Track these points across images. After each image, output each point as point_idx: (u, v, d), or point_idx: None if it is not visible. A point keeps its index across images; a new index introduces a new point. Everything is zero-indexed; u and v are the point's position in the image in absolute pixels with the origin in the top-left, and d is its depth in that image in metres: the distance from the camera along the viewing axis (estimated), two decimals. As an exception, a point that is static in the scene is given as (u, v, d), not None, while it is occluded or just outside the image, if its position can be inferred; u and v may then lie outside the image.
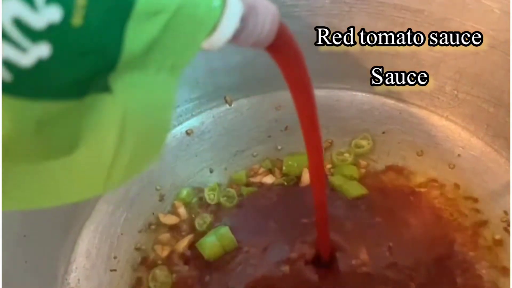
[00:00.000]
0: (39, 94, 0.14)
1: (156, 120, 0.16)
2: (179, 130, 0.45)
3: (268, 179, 0.41)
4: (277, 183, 0.41)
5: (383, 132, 0.44)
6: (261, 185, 0.41)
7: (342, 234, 0.36)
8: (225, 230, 0.37)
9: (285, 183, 0.41)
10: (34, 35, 0.13)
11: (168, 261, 0.37)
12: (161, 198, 0.41)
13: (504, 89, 0.37)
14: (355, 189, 0.39)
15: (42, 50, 0.13)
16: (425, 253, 0.35)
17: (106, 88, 0.15)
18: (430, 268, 0.34)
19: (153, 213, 0.40)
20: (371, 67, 0.44)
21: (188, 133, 0.45)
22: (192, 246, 0.38)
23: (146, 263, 0.38)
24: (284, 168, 0.41)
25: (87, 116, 0.15)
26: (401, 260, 0.35)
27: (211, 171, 0.43)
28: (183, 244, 0.38)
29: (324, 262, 0.35)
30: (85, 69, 0.14)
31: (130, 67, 0.15)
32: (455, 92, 0.41)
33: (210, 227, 0.39)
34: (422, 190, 0.39)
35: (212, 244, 0.36)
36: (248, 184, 0.41)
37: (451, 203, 0.38)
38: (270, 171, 0.42)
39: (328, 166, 0.42)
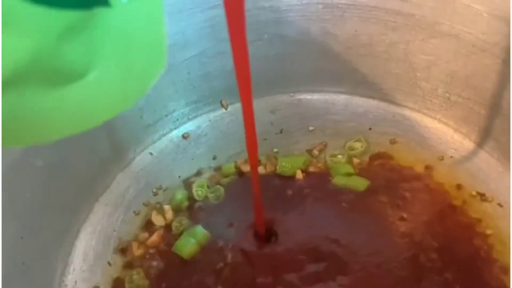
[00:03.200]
0: (55, 2, 0.15)
1: (153, 31, 0.18)
2: (175, 134, 0.46)
3: (260, 169, 0.42)
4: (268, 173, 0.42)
5: (377, 135, 0.44)
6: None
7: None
8: (198, 229, 0.38)
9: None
10: None
11: (142, 262, 0.38)
12: (157, 200, 0.41)
13: (494, 91, 0.38)
14: (360, 183, 0.40)
15: None
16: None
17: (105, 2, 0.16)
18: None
19: (148, 215, 0.41)
20: (364, 71, 0.45)
21: (184, 136, 0.46)
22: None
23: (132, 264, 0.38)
24: (277, 168, 0.42)
25: (97, 31, 0.16)
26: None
27: (206, 173, 0.43)
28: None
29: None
30: None
31: None
32: (447, 94, 0.42)
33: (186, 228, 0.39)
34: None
35: (189, 243, 0.37)
36: (238, 173, 0.42)
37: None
38: (263, 165, 0.43)
39: (320, 165, 0.42)
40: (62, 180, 0.37)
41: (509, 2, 0.33)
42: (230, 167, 0.43)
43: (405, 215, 0.38)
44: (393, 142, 0.43)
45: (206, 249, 0.37)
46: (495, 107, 0.38)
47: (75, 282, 0.37)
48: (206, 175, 0.43)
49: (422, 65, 0.42)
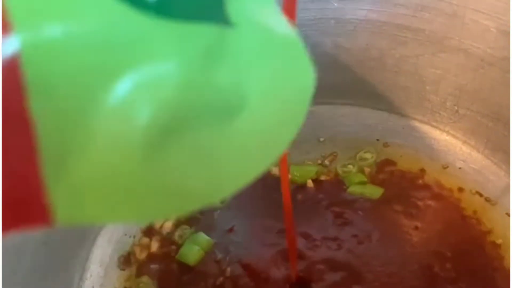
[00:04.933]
0: (185, 14, 0.12)
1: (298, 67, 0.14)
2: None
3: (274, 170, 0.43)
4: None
5: (387, 146, 0.45)
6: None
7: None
8: (200, 236, 0.39)
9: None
10: None
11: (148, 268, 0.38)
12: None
13: (502, 104, 0.39)
14: (376, 191, 0.41)
15: None
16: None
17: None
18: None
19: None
20: (374, 83, 0.46)
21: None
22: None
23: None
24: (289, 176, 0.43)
25: (236, 54, 0.13)
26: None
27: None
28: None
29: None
30: None
31: None
32: (456, 107, 0.43)
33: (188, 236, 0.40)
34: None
35: (193, 250, 0.38)
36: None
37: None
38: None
39: (332, 175, 0.43)
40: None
41: (516, 18, 0.34)
42: None
43: (419, 225, 0.39)
44: (402, 153, 0.44)
45: (210, 255, 0.38)
46: (503, 119, 0.39)
47: (93, 287, 0.38)
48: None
49: (431, 79, 0.43)
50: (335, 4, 0.42)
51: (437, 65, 0.42)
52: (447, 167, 0.43)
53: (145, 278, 0.38)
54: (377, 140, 0.46)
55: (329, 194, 0.41)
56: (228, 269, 0.37)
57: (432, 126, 0.45)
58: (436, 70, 0.42)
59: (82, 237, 0.39)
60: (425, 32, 0.41)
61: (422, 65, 0.43)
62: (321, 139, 0.47)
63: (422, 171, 0.43)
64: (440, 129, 0.45)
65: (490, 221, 0.39)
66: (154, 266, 0.39)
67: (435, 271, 0.36)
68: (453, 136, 0.44)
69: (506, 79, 0.38)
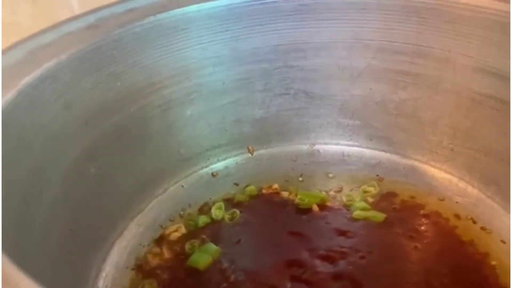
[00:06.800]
0: None
1: None
2: (206, 171, 0.51)
3: (285, 194, 0.46)
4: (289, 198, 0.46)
5: (389, 182, 0.49)
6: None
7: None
8: (209, 245, 0.41)
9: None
10: None
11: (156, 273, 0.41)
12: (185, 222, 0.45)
13: (492, 138, 0.43)
14: (379, 216, 0.44)
15: None
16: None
17: None
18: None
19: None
20: (377, 126, 0.51)
21: (213, 175, 0.51)
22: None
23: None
24: (296, 200, 0.46)
25: None
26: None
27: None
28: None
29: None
30: None
31: None
32: (451, 146, 0.47)
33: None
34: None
35: (203, 257, 0.40)
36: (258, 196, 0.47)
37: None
38: (288, 191, 0.47)
39: (337, 203, 0.46)
40: (107, 194, 0.42)
41: (498, 59, 0.40)
42: (252, 189, 0.47)
43: (418, 245, 0.41)
44: (403, 188, 0.48)
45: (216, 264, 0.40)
46: (495, 153, 0.43)
47: (106, 286, 0.40)
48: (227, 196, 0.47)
49: (429, 120, 0.48)
50: (344, 52, 0.49)
51: (434, 106, 0.47)
52: (445, 200, 0.46)
53: (153, 282, 0.40)
54: (380, 177, 0.49)
55: (333, 216, 0.44)
56: (232, 276, 0.39)
57: (430, 165, 0.49)
58: (433, 111, 0.47)
59: (101, 240, 0.42)
60: (422, 77, 0.46)
61: (420, 107, 0.48)
62: (329, 175, 0.51)
63: (422, 203, 0.46)
64: (438, 168, 0.49)
65: (485, 246, 0.41)
66: (163, 272, 0.41)
67: (433, 284, 0.37)
68: (450, 173, 0.48)
69: (493, 115, 0.42)
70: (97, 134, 0.41)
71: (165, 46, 0.44)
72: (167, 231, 0.44)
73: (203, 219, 0.45)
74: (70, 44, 0.37)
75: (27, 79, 0.33)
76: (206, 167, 0.51)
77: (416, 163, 0.50)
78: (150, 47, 0.43)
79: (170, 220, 0.46)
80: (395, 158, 0.51)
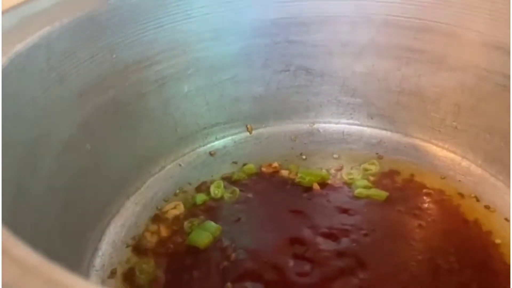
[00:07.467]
0: None
1: None
2: (203, 150, 0.50)
3: (285, 173, 0.45)
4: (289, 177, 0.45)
5: (390, 161, 0.48)
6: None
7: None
8: (209, 223, 0.40)
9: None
10: None
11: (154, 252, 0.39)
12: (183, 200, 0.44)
13: (498, 117, 0.42)
14: (381, 194, 0.43)
15: None
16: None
17: None
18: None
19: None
20: (379, 104, 0.50)
21: (211, 153, 0.49)
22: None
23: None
24: (296, 178, 0.45)
25: None
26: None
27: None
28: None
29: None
30: None
31: None
32: (455, 123, 0.46)
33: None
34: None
35: (202, 235, 0.39)
36: (258, 174, 0.46)
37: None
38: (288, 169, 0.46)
39: (338, 181, 0.45)
40: (103, 171, 0.41)
41: (506, 33, 0.39)
42: (251, 168, 0.46)
43: (422, 223, 0.40)
44: (404, 167, 0.47)
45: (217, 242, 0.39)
46: (499, 131, 0.42)
47: (103, 265, 0.38)
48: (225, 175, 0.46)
49: (432, 98, 0.47)
50: (346, 27, 0.47)
51: (438, 83, 0.46)
52: (447, 179, 0.45)
53: (150, 260, 0.39)
54: (380, 156, 0.49)
55: (335, 195, 0.43)
56: (233, 255, 0.38)
57: (433, 144, 0.48)
58: (436, 88, 0.46)
59: (96, 219, 0.40)
60: (426, 53, 0.45)
61: (423, 85, 0.47)
62: (328, 155, 0.50)
63: (424, 182, 0.45)
64: (440, 147, 0.48)
65: (489, 224, 0.40)
66: (161, 250, 0.40)
67: (438, 263, 0.37)
68: (453, 152, 0.47)
69: (500, 92, 0.41)
70: (91, 109, 0.39)
71: (162, 17, 0.42)
72: (164, 209, 0.43)
73: (201, 197, 0.44)
74: (65, 12, 0.35)
75: (18, 47, 0.31)
76: (204, 145, 0.50)
77: (418, 142, 0.49)
78: (147, 18, 0.41)
79: (167, 199, 0.44)
80: (396, 136, 0.50)
